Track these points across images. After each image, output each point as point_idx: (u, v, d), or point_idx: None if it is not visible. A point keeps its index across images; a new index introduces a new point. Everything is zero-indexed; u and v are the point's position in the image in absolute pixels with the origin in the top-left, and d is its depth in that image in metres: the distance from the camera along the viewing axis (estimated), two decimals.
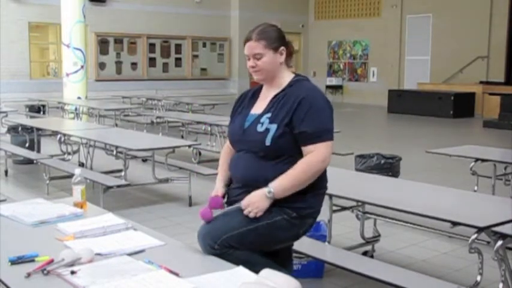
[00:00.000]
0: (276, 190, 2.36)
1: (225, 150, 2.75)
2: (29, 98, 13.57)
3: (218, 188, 2.62)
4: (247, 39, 2.53)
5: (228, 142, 2.74)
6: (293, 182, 2.38)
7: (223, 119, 7.64)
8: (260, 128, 2.45)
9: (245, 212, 2.38)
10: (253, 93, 2.65)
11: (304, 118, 2.40)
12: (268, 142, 2.41)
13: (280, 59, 2.53)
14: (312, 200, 2.48)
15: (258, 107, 2.56)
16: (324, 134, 2.41)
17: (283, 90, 2.52)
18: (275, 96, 2.52)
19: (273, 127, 2.42)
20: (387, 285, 2.97)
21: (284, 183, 2.37)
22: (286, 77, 2.56)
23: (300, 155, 2.44)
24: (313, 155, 2.39)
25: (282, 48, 2.53)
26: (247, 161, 2.49)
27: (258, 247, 2.43)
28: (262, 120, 2.47)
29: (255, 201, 2.38)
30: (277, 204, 2.42)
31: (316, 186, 2.49)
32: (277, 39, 2.52)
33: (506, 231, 2.86)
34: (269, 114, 2.47)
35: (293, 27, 20.15)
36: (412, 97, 16.33)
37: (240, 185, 2.53)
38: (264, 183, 2.41)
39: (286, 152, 2.43)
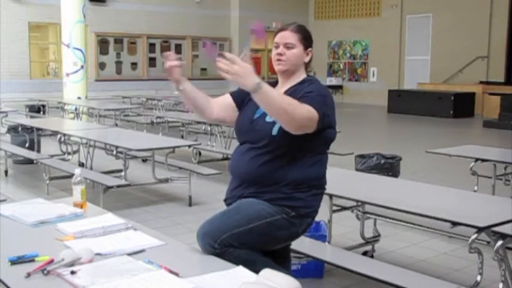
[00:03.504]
0: (265, 86, 2.19)
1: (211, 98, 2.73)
2: (29, 98, 13.57)
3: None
4: (282, 29, 2.59)
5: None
6: (279, 98, 2.23)
7: None
8: (269, 119, 2.48)
9: (220, 64, 2.13)
10: None
11: (306, 92, 2.42)
12: (274, 132, 2.44)
13: (306, 59, 2.59)
14: (310, 200, 2.50)
15: None
16: (317, 103, 2.35)
17: (294, 85, 2.57)
18: (286, 91, 2.56)
19: None
20: (387, 285, 2.97)
21: (273, 91, 2.24)
22: (302, 78, 2.61)
23: (300, 152, 2.45)
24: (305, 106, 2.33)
25: (310, 49, 2.61)
26: (249, 158, 2.50)
27: (258, 246, 2.44)
28: None
29: (244, 67, 2.14)
30: (276, 203, 2.44)
31: (315, 186, 2.52)
32: (309, 39, 2.61)
33: (506, 231, 2.86)
34: None
35: None
36: (412, 97, 16.34)
37: (239, 183, 2.54)
38: (264, 181, 2.44)
39: (288, 145, 2.43)
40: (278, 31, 2.61)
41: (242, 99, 2.67)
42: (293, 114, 2.24)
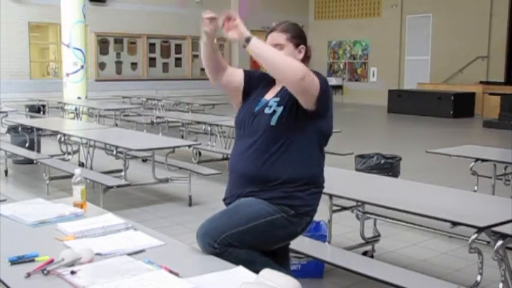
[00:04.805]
0: (255, 40, 2.34)
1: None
2: (29, 98, 13.57)
3: None
4: (271, 31, 2.60)
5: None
6: (271, 51, 2.37)
7: (223, 119, 7.65)
8: (268, 111, 2.51)
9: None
10: (267, 83, 2.68)
11: None
12: (273, 122, 2.46)
13: (299, 56, 2.58)
14: (309, 198, 2.51)
15: (269, 94, 2.62)
16: (318, 75, 2.41)
17: None
18: (283, 86, 2.56)
19: (280, 109, 2.48)
20: (387, 285, 2.97)
21: (264, 44, 2.38)
22: None
23: (298, 148, 2.46)
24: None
25: (302, 46, 2.60)
26: (248, 156, 2.51)
27: (257, 245, 2.44)
28: (270, 103, 2.54)
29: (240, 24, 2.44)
30: (275, 202, 2.44)
31: (313, 185, 2.53)
32: (299, 37, 2.61)
33: (506, 231, 2.86)
34: (277, 98, 2.54)
35: None
36: (412, 97, 16.33)
37: (238, 182, 2.54)
38: (263, 179, 2.45)
39: (286, 137, 2.46)
40: (269, 32, 2.62)
41: (251, 82, 2.69)
42: (288, 62, 2.32)
